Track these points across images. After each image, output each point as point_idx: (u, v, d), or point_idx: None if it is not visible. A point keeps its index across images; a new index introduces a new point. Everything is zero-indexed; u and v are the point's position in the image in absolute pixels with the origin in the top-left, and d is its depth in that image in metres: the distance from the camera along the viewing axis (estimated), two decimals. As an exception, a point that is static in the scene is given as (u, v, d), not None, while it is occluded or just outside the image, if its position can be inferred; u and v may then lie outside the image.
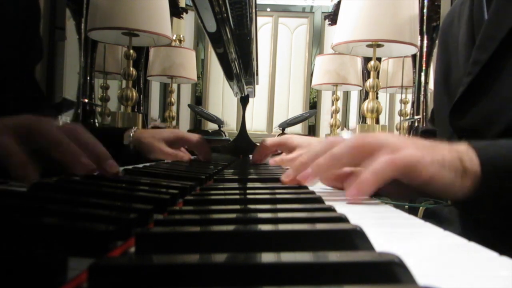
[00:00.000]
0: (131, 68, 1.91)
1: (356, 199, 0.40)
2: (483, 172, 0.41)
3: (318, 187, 0.54)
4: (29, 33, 0.74)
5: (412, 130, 2.25)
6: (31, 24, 0.74)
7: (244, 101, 1.60)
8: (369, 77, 1.83)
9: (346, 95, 3.62)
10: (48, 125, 0.44)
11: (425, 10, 2.06)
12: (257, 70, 1.45)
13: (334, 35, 1.90)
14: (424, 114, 2.18)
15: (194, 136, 0.97)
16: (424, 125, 2.15)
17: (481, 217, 0.48)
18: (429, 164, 0.40)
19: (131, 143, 0.87)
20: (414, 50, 1.80)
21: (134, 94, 1.93)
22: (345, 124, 3.57)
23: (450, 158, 0.42)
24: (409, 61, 2.40)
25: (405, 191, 0.49)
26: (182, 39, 3.08)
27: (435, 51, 2.12)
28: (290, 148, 0.84)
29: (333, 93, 2.97)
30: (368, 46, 1.76)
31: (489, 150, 0.43)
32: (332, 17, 3.41)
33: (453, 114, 0.64)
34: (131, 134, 0.87)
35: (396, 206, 0.42)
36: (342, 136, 0.48)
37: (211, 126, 3.45)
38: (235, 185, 0.55)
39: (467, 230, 0.61)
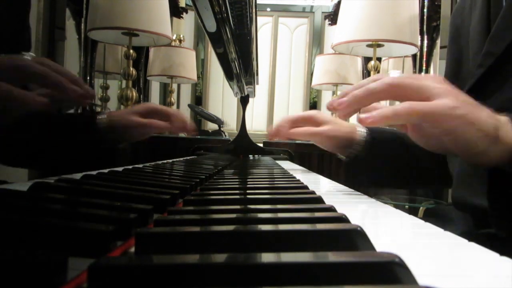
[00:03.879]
0: (131, 68, 1.91)
1: (365, 123, 0.41)
2: None
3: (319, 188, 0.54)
4: (17, 23, 0.73)
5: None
6: (19, 13, 0.74)
7: (244, 101, 1.60)
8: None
9: (346, 95, 3.62)
10: (24, 60, 0.45)
11: (425, 10, 2.06)
12: (257, 70, 1.45)
13: (334, 35, 1.90)
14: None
15: (169, 108, 0.91)
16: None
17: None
18: (456, 117, 0.39)
19: (105, 127, 0.80)
20: (414, 50, 1.80)
21: (134, 94, 1.93)
22: (345, 124, 3.57)
23: (485, 121, 0.41)
24: (409, 61, 2.40)
25: (430, 141, 0.48)
26: (182, 39, 3.08)
27: (435, 51, 2.12)
28: (317, 123, 0.79)
29: (333, 93, 2.97)
30: (368, 46, 1.76)
31: None
32: (332, 17, 3.41)
33: None
34: (103, 117, 0.80)
35: (396, 206, 0.42)
36: (389, 74, 0.48)
37: (211, 126, 3.45)
38: (235, 185, 0.54)
39: (469, 230, 0.60)
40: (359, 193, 0.52)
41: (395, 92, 0.43)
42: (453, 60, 0.70)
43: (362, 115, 0.41)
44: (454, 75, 0.69)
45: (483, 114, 0.41)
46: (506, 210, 0.45)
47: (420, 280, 0.17)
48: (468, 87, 0.60)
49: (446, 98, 0.40)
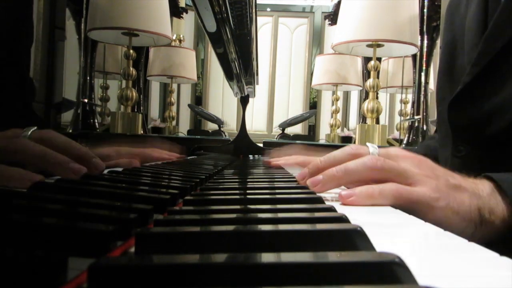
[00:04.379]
0: (131, 68, 1.91)
1: (346, 201, 0.40)
2: None
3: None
4: (21, 17, 0.73)
5: (412, 130, 2.25)
6: (23, 8, 0.73)
7: (244, 101, 1.60)
8: (369, 77, 1.83)
9: (346, 95, 3.62)
10: (22, 142, 0.43)
11: (425, 10, 2.06)
12: (257, 70, 1.45)
13: (334, 35, 1.90)
14: (424, 114, 2.18)
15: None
16: (425, 125, 2.15)
17: None
18: (439, 209, 0.39)
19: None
20: (414, 50, 1.80)
21: (134, 94, 1.93)
22: (345, 124, 3.57)
23: (468, 206, 0.40)
24: (409, 61, 2.40)
25: None
26: (182, 39, 3.08)
27: (435, 51, 2.12)
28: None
29: (333, 93, 2.97)
30: (368, 46, 1.76)
31: None
32: (332, 17, 3.41)
33: (452, 107, 0.61)
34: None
35: (396, 206, 0.42)
36: (366, 147, 0.46)
37: (211, 126, 3.45)
38: (235, 185, 0.54)
39: None
40: None
41: (376, 175, 0.42)
42: (447, 53, 0.68)
43: (344, 192, 0.40)
44: (448, 69, 0.68)
45: (465, 199, 0.40)
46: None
47: (420, 280, 0.17)
48: (463, 86, 0.59)
49: (427, 185, 0.40)
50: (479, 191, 0.42)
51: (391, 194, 0.39)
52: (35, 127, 0.46)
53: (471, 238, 0.40)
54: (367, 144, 0.47)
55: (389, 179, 0.41)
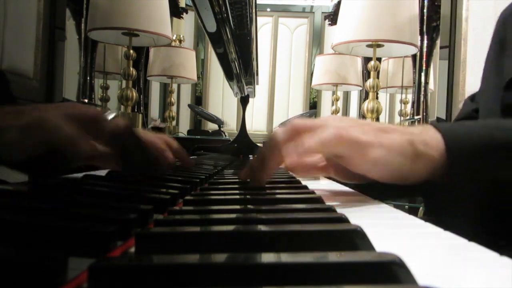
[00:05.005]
0: (131, 68, 1.91)
1: (294, 165, 0.40)
2: (448, 153, 0.40)
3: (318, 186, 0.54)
4: None
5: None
6: None
7: (244, 101, 1.60)
8: (369, 77, 1.83)
9: (346, 95, 3.62)
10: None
11: (425, 10, 2.06)
12: (257, 70, 1.45)
13: (334, 35, 1.90)
14: (424, 114, 2.18)
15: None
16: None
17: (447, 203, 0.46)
18: (374, 147, 0.40)
19: None
20: (414, 50, 1.80)
21: (134, 94, 1.93)
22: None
23: (399, 142, 0.41)
24: (409, 61, 2.40)
25: (353, 177, 0.48)
26: (182, 39, 3.08)
27: (435, 51, 2.12)
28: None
29: (333, 93, 2.97)
30: (368, 46, 1.76)
31: (455, 130, 0.41)
32: (332, 17, 3.41)
33: (508, 87, 0.60)
34: None
35: (396, 206, 0.42)
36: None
37: (211, 126, 3.45)
38: (235, 185, 0.54)
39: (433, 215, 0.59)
40: (353, 190, 0.52)
41: (300, 134, 0.42)
42: (497, 44, 0.67)
43: (288, 161, 0.40)
44: (496, 57, 0.67)
45: (395, 136, 0.41)
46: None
47: (420, 280, 0.17)
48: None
49: (354, 131, 0.41)
50: (409, 129, 0.43)
51: (334, 140, 0.40)
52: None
53: (410, 172, 0.41)
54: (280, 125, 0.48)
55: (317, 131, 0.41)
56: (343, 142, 0.40)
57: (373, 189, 0.47)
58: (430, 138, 0.41)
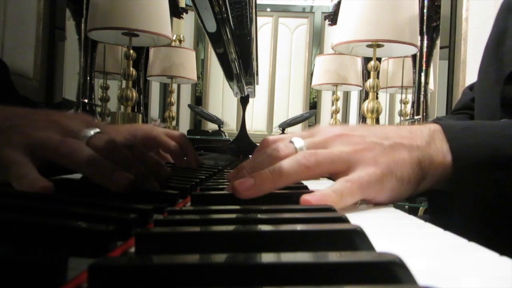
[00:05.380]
0: (131, 68, 1.91)
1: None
2: (455, 167, 0.39)
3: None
4: None
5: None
6: None
7: (244, 101, 1.60)
8: (369, 77, 1.83)
9: (346, 95, 3.62)
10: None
11: (425, 10, 2.06)
12: (257, 70, 1.45)
13: (334, 35, 1.90)
14: (424, 114, 2.18)
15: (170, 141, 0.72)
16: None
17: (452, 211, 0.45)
18: (387, 182, 0.38)
19: None
20: (414, 50, 1.80)
21: (134, 94, 1.93)
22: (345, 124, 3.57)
23: (409, 167, 0.39)
24: (409, 61, 2.40)
25: None
26: (182, 39, 3.08)
27: (435, 51, 2.12)
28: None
29: (333, 93, 2.97)
30: (368, 46, 1.76)
31: (464, 140, 0.40)
32: (332, 17, 3.41)
33: (509, 80, 0.59)
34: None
35: (396, 206, 0.42)
36: (290, 143, 0.43)
37: (211, 126, 3.45)
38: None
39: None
40: None
41: (313, 172, 0.40)
42: (496, 37, 0.67)
43: (305, 197, 0.36)
44: (495, 47, 0.66)
45: (405, 157, 0.39)
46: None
47: (420, 280, 0.17)
48: None
49: (366, 162, 0.39)
50: (416, 142, 0.41)
51: (350, 196, 0.37)
52: (98, 130, 0.42)
53: (415, 192, 0.40)
54: (292, 139, 0.44)
55: (326, 172, 0.40)
56: (358, 194, 0.38)
57: None
58: (437, 152, 0.40)
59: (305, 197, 0.35)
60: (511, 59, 0.60)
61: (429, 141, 0.41)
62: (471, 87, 0.79)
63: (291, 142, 0.43)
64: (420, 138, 0.41)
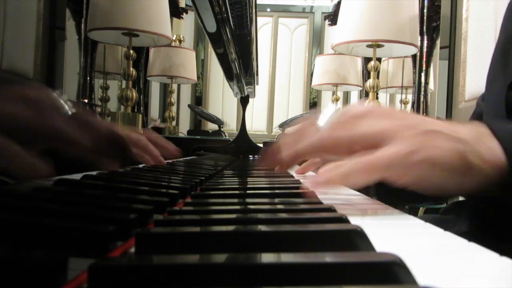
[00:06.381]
0: (131, 69, 1.91)
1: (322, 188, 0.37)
2: (510, 163, 0.35)
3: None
4: None
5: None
6: None
7: (244, 101, 1.60)
8: (369, 78, 1.83)
9: (346, 95, 3.62)
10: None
11: (425, 10, 2.06)
12: (257, 70, 1.45)
13: (334, 35, 1.90)
14: (424, 114, 2.18)
15: (134, 133, 0.71)
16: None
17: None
18: (416, 164, 0.35)
19: None
20: (414, 50, 1.80)
21: (134, 94, 1.93)
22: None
23: (447, 153, 0.35)
24: (409, 62, 2.40)
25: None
26: (182, 39, 3.08)
27: (435, 51, 2.12)
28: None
29: (333, 93, 2.97)
30: (368, 46, 1.76)
31: None
32: (332, 17, 3.41)
33: None
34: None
35: (396, 207, 0.42)
36: (321, 113, 0.43)
37: (211, 126, 3.45)
38: (235, 185, 0.54)
39: (469, 230, 0.58)
40: (354, 191, 0.52)
41: (332, 149, 0.38)
42: (506, 38, 0.65)
43: (319, 179, 0.35)
44: (502, 49, 0.64)
45: (443, 144, 0.35)
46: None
47: (420, 280, 0.17)
48: None
49: (396, 141, 0.36)
50: (459, 135, 0.37)
51: (366, 174, 0.35)
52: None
53: (457, 187, 0.36)
54: (328, 107, 0.44)
55: (363, 147, 0.37)
56: (379, 173, 0.35)
57: (391, 194, 0.45)
58: (485, 149, 0.36)
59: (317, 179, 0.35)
60: None
61: (476, 137, 0.37)
62: (483, 97, 0.78)
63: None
64: (464, 132, 0.37)
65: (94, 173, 0.51)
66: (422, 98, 2.20)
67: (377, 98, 1.88)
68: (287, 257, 0.18)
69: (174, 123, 2.97)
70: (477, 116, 0.79)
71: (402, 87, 2.57)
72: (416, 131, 0.36)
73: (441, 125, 0.38)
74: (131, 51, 1.91)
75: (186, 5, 3.31)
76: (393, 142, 0.36)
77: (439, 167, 0.35)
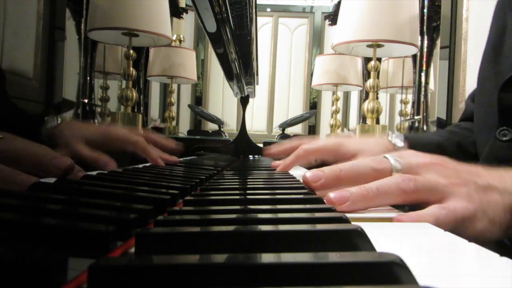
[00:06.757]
0: (131, 68, 1.91)
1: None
2: None
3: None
4: None
5: (412, 130, 2.25)
6: None
7: (244, 101, 1.60)
8: (369, 77, 1.83)
9: (346, 95, 3.62)
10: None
11: (425, 10, 2.06)
12: (257, 70, 1.45)
13: (334, 35, 1.90)
14: (425, 114, 2.18)
15: (132, 135, 0.74)
16: (425, 125, 2.15)
17: None
18: (478, 221, 0.37)
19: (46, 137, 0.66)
20: (414, 50, 1.80)
21: (134, 94, 1.93)
22: (345, 124, 3.57)
23: (501, 211, 0.37)
24: (409, 61, 2.40)
25: None
26: (182, 39, 3.09)
27: (435, 51, 2.12)
28: (341, 158, 0.65)
29: (333, 93, 2.97)
30: (368, 46, 1.76)
31: None
32: (332, 17, 3.41)
33: (505, 87, 0.58)
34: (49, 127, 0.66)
35: (396, 207, 0.42)
36: (387, 160, 0.43)
37: (211, 126, 3.45)
38: (235, 185, 0.54)
39: None
40: None
41: (407, 197, 0.39)
42: (495, 37, 0.66)
43: (399, 217, 0.35)
44: (494, 50, 0.65)
45: (497, 200, 0.37)
46: None
47: (420, 280, 0.17)
48: None
49: (460, 197, 0.37)
50: (507, 186, 0.39)
51: (447, 221, 0.36)
52: None
53: (502, 235, 0.37)
54: (387, 156, 0.42)
55: (420, 199, 0.38)
56: (452, 224, 0.36)
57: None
58: None
59: (399, 217, 0.34)
60: (508, 65, 0.60)
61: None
62: (472, 98, 0.78)
63: (385, 157, 0.42)
64: (507, 178, 0.40)
65: (94, 173, 0.51)
66: (422, 98, 2.20)
67: (377, 98, 1.88)
68: (287, 257, 0.18)
69: (174, 123, 2.97)
70: (468, 117, 0.79)
71: (402, 87, 2.57)
72: (476, 188, 0.38)
73: (493, 178, 0.40)
74: (131, 51, 1.90)
75: (186, 5, 3.31)
76: (457, 197, 0.37)
77: (497, 225, 0.37)
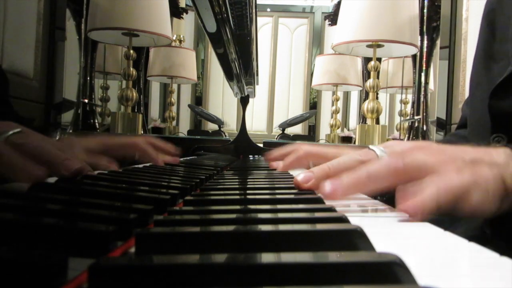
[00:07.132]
0: (131, 68, 1.91)
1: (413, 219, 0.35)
2: None
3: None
4: None
5: (412, 130, 2.25)
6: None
7: (244, 101, 1.60)
8: (369, 77, 1.83)
9: (346, 95, 3.62)
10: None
11: (425, 10, 2.06)
12: (257, 70, 1.45)
13: (334, 35, 1.90)
14: (424, 114, 2.18)
15: (130, 139, 0.74)
16: (425, 125, 2.15)
17: None
18: (473, 192, 0.36)
19: None
20: (414, 50, 1.80)
21: (134, 94, 1.93)
22: (345, 124, 3.57)
23: (494, 180, 0.37)
24: (409, 62, 2.40)
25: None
26: (182, 39, 3.08)
27: (435, 51, 2.12)
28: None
29: (333, 93, 2.97)
30: (368, 46, 1.76)
31: None
32: (332, 17, 3.41)
33: (495, 93, 0.58)
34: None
35: (395, 206, 0.41)
36: (373, 151, 0.43)
37: (211, 126, 3.45)
38: (235, 185, 0.54)
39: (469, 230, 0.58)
40: None
41: (399, 177, 0.38)
42: (486, 40, 0.66)
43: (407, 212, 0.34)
44: (485, 55, 0.65)
45: (487, 172, 0.37)
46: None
47: (420, 280, 0.17)
48: (508, 73, 0.56)
49: (452, 173, 0.37)
50: (495, 159, 0.39)
51: (445, 195, 0.35)
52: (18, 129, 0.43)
53: (498, 211, 0.37)
54: (371, 147, 0.43)
55: (410, 179, 0.38)
56: (454, 196, 0.35)
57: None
58: None
59: (403, 208, 0.34)
60: (498, 71, 0.60)
61: (508, 161, 0.39)
62: (468, 103, 0.78)
63: (370, 149, 0.43)
64: (498, 157, 0.40)
65: (94, 173, 0.51)
66: (422, 98, 2.20)
67: (377, 98, 1.88)
68: (287, 257, 0.18)
69: (174, 123, 2.97)
70: (464, 123, 0.79)
71: (402, 87, 2.57)
72: (464, 163, 0.38)
73: (478, 153, 0.40)
74: (131, 51, 1.90)
75: (186, 5, 3.31)
76: (448, 172, 0.37)
77: (491, 196, 0.36)
